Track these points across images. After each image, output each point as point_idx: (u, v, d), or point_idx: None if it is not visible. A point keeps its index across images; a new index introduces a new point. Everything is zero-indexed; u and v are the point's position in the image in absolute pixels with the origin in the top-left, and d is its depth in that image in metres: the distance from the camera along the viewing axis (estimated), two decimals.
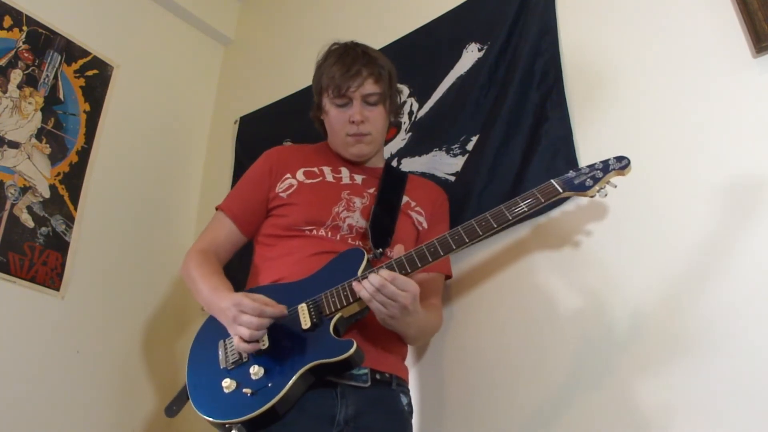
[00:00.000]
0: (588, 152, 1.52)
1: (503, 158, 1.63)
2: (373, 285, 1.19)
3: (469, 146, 1.73)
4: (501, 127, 1.64)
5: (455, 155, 1.75)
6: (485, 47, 1.79)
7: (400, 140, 1.89)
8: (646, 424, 1.24)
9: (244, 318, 1.19)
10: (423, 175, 1.77)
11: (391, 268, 1.23)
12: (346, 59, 1.44)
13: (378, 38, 1.60)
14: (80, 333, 1.96)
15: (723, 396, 1.18)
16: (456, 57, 1.85)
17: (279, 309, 1.22)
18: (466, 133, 1.74)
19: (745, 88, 1.34)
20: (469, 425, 1.48)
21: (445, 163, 1.76)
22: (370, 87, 1.44)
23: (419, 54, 1.94)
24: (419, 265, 1.23)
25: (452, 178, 1.73)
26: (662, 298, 1.31)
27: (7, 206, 1.87)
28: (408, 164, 1.84)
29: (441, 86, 1.86)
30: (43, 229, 1.94)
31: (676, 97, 1.43)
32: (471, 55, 1.82)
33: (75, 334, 1.95)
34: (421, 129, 1.87)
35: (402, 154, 1.87)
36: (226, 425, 1.17)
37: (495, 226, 1.23)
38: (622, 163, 1.24)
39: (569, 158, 1.52)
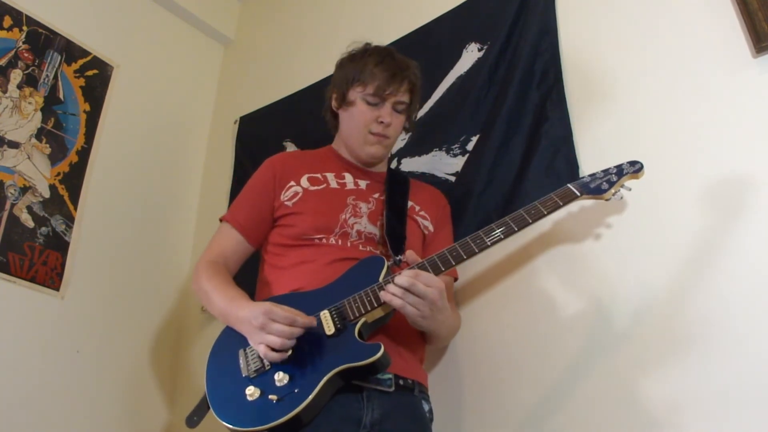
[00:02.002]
0: (588, 152, 1.52)
1: (503, 158, 1.63)
2: (401, 286, 1.18)
3: (469, 146, 1.73)
4: (501, 127, 1.64)
5: (455, 155, 1.75)
6: (485, 47, 1.79)
7: (400, 140, 1.88)
8: (652, 423, 1.24)
9: (275, 327, 1.18)
10: (423, 175, 1.78)
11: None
12: (391, 63, 1.46)
13: (378, 38, 1.60)
14: (80, 333, 1.96)
15: (723, 393, 1.18)
16: (456, 57, 1.85)
17: (309, 319, 1.21)
18: (466, 133, 1.74)
19: (745, 88, 1.33)
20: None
21: (445, 163, 1.76)
22: (403, 96, 1.47)
23: (419, 54, 1.93)
24: (442, 269, 1.24)
25: (452, 178, 1.73)
26: (663, 296, 1.31)
27: (7, 206, 1.87)
28: (408, 164, 1.84)
29: (441, 86, 1.86)
30: (43, 229, 1.94)
31: (676, 96, 1.43)
32: (471, 55, 1.82)
33: (75, 334, 1.95)
34: (421, 129, 1.86)
35: (402, 154, 1.87)
36: None
37: (516, 229, 1.25)
38: (635, 167, 1.29)
39: (569, 158, 1.52)
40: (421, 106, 1.87)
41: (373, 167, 1.56)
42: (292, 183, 1.48)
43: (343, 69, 1.53)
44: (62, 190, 2.02)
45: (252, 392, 1.17)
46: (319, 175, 1.50)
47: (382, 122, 1.45)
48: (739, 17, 1.37)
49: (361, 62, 1.48)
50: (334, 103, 1.55)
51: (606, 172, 1.30)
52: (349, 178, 1.51)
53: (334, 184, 1.49)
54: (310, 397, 1.14)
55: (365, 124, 1.47)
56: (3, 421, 1.70)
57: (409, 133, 1.88)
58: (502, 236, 1.24)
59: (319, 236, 1.39)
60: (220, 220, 1.52)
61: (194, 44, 2.68)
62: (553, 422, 1.38)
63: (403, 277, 1.19)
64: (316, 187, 1.47)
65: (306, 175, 1.49)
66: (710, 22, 1.42)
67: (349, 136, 1.53)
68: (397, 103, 1.47)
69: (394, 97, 1.45)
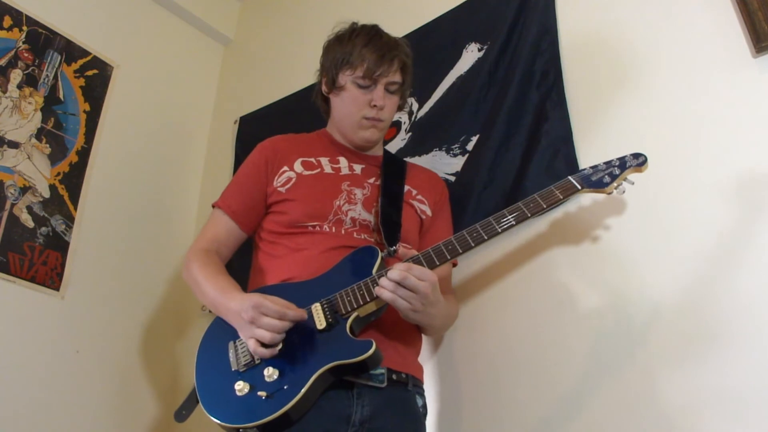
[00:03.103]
0: (588, 152, 1.52)
1: (503, 158, 1.63)
2: (392, 280, 1.16)
3: (469, 146, 1.73)
4: (501, 127, 1.64)
5: (455, 155, 1.75)
6: (485, 47, 1.79)
7: (400, 140, 1.89)
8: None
9: (264, 320, 1.16)
10: None
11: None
12: (378, 43, 1.43)
13: None
14: (80, 333, 1.96)
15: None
16: (456, 57, 1.85)
17: (300, 312, 1.19)
18: (466, 133, 1.74)
19: (745, 88, 1.33)
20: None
21: (445, 163, 1.76)
22: (395, 76, 1.44)
23: (419, 54, 1.93)
24: (437, 263, 1.22)
25: (452, 178, 1.73)
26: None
27: (7, 206, 1.87)
28: None
29: (441, 86, 1.86)
30: (43, 229, 1.94)
31: (676, 96, 1.43)
32: (471, 55, 1.82)
33: (75, 334, 1.95)
34: (421, 129, 1.87)
35: (402, 154, 1.86)
36: (240, 429, 1.14)
37: (514, 222, 1.23)
38: (639, 160, 1.25)
39: (569, 158, 1.52)
40: (421, 106, 1.88)
41: (367, 151, 1.54)
42: (286, 168, 1.45)
43: (330, 52, 1.50)
44: (62, 190, 2.02)
45: (241, 387, 1.16)
46: (313, 160, 1.47)
47: (375, 106, 1.42)
48: (739, 17, 1.37)
49: (349, 44, 1.45)
50: (324, 88, 1.52)
51: (608, 164, 1.27)
52: (343, 162, 1.48)
53: (328, 168, 1.46)
54: (300, 394, 1.12)
55: (358, 108, 1.44)
56: (3, 421, 1.70)
57: (409, 134, 1.88)
58: (500, 230, 1.22)
59: (312, 223, 1.37)
60: (213, 206, 1.49)
61: (194, 44, 2.68)
62: (562, 424, 1.37)
63: (396, 271, 1.17)
64: (310, 172, 1.44)
65: (300, 160, 1.46)
66: (710, 22, 1.42)
67: (341, 121, 1.50)
68: (389, 84, 1.44)
69: (385, 78, 1.42)
